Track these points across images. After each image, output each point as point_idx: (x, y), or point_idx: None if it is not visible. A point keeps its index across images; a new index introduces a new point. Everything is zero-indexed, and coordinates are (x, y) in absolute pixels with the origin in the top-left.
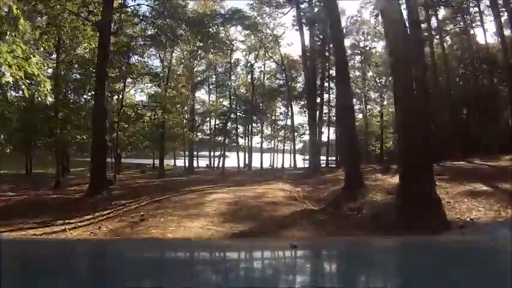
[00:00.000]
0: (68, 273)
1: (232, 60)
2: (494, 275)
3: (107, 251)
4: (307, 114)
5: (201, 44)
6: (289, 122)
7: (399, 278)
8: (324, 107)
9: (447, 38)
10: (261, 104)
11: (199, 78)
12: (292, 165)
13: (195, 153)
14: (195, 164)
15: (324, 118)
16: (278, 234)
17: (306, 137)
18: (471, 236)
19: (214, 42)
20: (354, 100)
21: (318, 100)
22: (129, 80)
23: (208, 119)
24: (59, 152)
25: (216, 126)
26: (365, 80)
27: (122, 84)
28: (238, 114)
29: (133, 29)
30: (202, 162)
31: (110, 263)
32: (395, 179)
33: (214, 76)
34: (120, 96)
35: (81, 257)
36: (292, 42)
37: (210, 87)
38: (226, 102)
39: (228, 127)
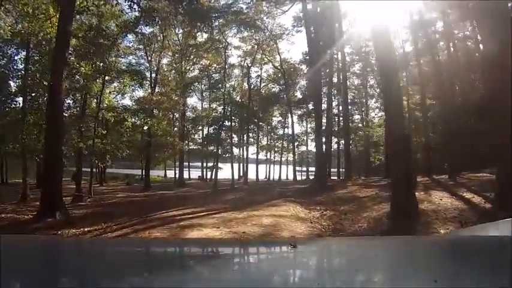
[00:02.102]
0: (65, 271)
1: (226, 59)
2: (494, 275)
3: (107, 249)
4: (304, 124)
5: (187, 21)
6: (286, 131)
7: (399, 278)
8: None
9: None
10: (257, 112)
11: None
12: (291, 178)
13: (186, 164)
14: (186, 176)
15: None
16: None
17: (303, 148)
18: (471, 235)
19: (205, 22)
20: (354, 109)
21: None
22: (114, 84)
23: (200, 127)
24: (26, 160)
25: (209, 134)
26: (366, 88)
27: (100, 85)
28: (233, 119)
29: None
30: (195, 174)
31: (109, 261)
32: (444, 200)
33: (206, 78)
34: (98, 99)
35: (79, 255)
36: (293, 42)
37: (203, 94)
38: (220, 109)
39: (221, 136)
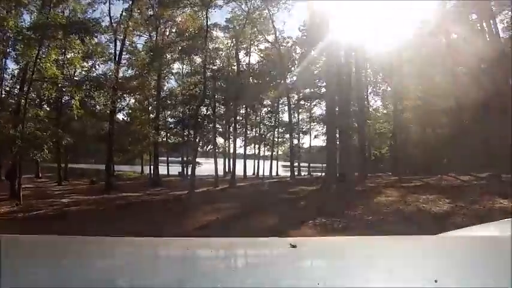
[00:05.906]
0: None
1: (208, 20)
2: (494, 275)
3: (106, 248)
4: (296, 115)
5: None
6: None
7: (399, 278)
8: None
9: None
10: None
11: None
12: (282, 174)
13: (164, 158)
14: (165, 172)
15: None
16: None
17: (295, 141)
18: (471, 235)
19: None
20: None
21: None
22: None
23: (175, 111)
24: None
25: (185, 116)
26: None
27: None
28: (216, 100)
29: None
30: (176, 169)
31: (107, 261)
32: None
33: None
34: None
35: (78, 254)
36: (293, 5)
37: (184, 80)
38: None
39: (204, 121)
